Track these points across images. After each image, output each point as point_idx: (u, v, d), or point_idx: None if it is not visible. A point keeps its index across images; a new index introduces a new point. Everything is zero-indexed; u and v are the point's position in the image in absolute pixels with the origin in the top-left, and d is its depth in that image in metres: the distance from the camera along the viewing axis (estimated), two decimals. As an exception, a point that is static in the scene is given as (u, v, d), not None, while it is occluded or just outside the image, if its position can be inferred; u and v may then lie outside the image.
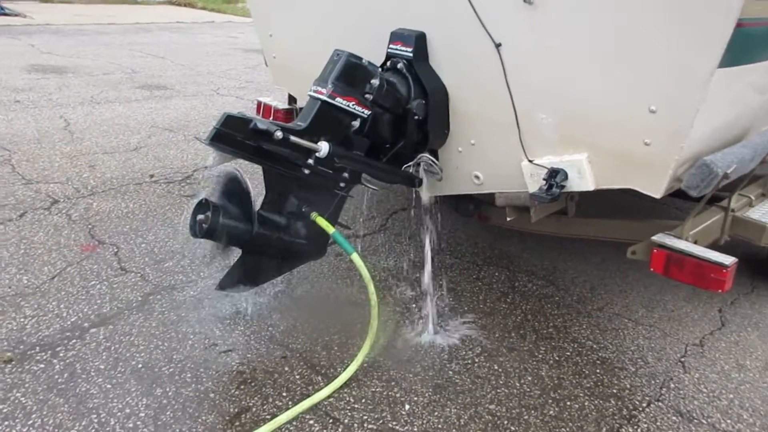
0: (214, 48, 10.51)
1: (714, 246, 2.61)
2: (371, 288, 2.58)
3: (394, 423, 2.35)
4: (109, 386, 2.40)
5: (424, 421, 2.36)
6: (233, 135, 2.32)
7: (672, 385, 2.71)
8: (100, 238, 3.55)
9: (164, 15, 14.44)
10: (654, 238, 2.50)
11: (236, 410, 2.34)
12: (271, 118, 3.94)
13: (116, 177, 4.46)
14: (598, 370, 2.76)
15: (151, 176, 4.53)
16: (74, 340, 2.65)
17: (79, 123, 5.67)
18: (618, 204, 3.33)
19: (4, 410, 2.24)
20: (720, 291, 2.39)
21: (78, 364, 2.51)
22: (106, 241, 3.51)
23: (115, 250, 3.43)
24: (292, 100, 4.14)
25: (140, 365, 2.54)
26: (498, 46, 2.46)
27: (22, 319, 2.76)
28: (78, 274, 3.16)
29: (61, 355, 2.56)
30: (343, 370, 2.54)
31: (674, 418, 2.51)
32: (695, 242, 2.56)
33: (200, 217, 2.41)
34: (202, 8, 16.54)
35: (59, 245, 3.43)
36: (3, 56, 8.27)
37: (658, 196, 2.29)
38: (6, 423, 2.19)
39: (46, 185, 4.21)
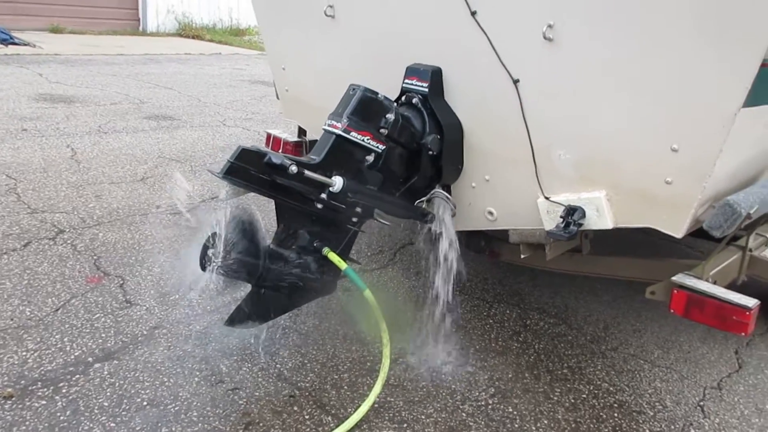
0: (220, 79, 10.57)
1: (731, 286, 2.56)
2: (383, 326, 2.51)
3: (407, 468, 2.27)
4: (112, 425, 2.33)
5: (438, 466, 2.28)
6: (247, 168, 2.29)
7: (692, 431, 2.62)
8: (105, 269, 3.49)
9: (173, 46, 14.57)
10: (674, 278, 2.45)
11: (243, 452, 2.26)
12: (280, 151, 3.93)
13: (122, 207, 4.43)
14: (615, 414, 2.68)
15: (158, 207, 4.50)
16: (78, 376, 2.58)
17: (86, 152, 5.66)
18: (630, 241, 3.29)
19: (4, 449, 2.17)
20: (743, 334, 2.33)
21: (81, 401, 2.43)
22: (112, 273, 3.46)
23: (121, 281, 3.37)
24: (301, 132, 4.13)
25: (145, 402, 2.46)
26: (516, 82, 2.44)
27: (24, 353, 2.69)
28: (83, 306, 3.10)
29: (64, 391, 2.48)
30: (354, 411, 2.46)
31: (696, 465, 2.43)
32: (715, 282, 2.51)
33: (210, 251, 2.36)
34: (210, 40, 16.68)
35: (64, 276, 3.37)
36: (11, 85, 8.31)
37: (679, 235, 2.24)
38: (5, 463, 2.11)
39: (51, 215, 4.17)
